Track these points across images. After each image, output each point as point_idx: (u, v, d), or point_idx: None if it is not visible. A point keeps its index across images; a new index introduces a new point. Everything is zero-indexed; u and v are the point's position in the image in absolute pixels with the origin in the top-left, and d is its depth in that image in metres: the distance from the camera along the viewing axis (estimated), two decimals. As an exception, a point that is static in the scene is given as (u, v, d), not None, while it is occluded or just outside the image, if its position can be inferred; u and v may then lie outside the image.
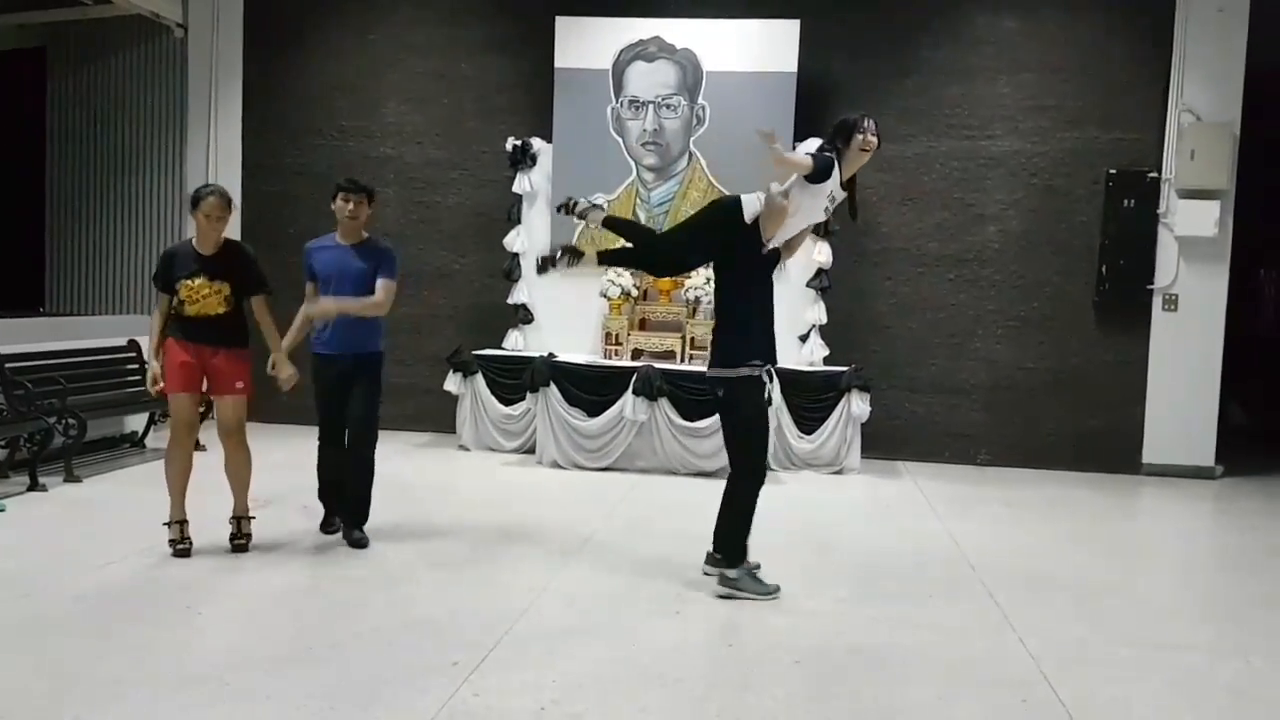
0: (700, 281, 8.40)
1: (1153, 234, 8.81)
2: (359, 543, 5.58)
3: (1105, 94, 8.87)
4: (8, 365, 7.14)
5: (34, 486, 6.70)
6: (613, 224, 5.47)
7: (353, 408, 5.59)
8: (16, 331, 7.48)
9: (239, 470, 5.43)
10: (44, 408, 7.01)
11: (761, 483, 5.08)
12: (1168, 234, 8.77)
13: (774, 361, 5.06)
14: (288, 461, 6.41)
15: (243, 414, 5.39)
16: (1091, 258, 8.90)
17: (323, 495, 5.86)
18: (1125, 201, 8.81)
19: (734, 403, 4.99)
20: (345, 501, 5.71)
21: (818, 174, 4.83)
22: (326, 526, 5.82)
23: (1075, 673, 4.11)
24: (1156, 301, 8.84)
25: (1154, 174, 8.77)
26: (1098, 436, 8.94)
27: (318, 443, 5.78)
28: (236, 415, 5.35)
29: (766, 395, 5.12)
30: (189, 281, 5.17)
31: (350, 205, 5.49)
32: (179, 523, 5.27)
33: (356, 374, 5.55)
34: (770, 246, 5.03)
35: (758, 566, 5.06)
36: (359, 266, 5.51)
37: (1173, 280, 8.79)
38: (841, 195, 5.06)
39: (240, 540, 5.41)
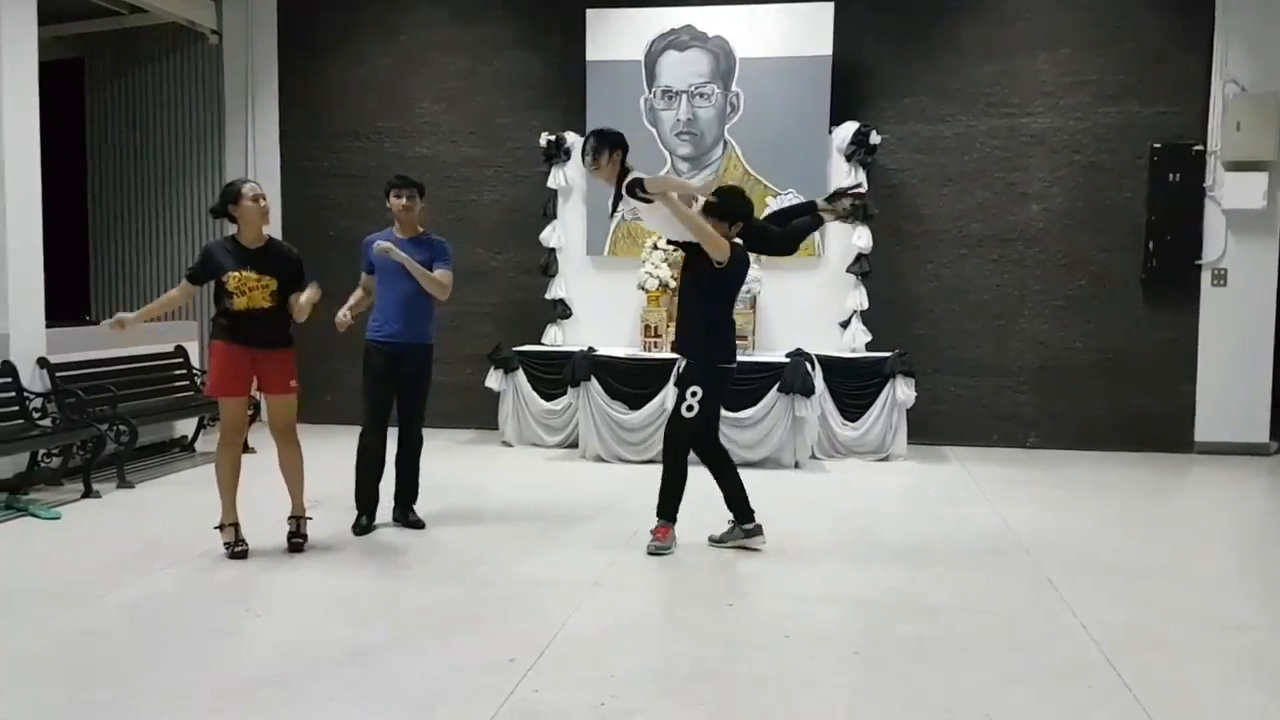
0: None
1: (1199, 208, 8.64)
2: (417, 524, 5.91)
3: (1146, 67, 8.71)
4: (58, 374, 7.25)
5: (88, 493, 6.79)
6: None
7: (404, 396, 5.81)
8: (65, 340, 7.57)
9: (294, 469, 5.46)
10: (95, 415, 7.10)
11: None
12: (1215, 208, 8.60)
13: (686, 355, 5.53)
14: (334, 462, 6.42)
15: (294, 413, 5.44)
16: (1137, 234, 8.75)
17: (360, 495, 5.91)
18: (1170, 176, 8.65)
19: (693, 381, 5.47)
20: (400, 488, 5.97)
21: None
22: (358, 527, 5.83)
23: (1136, 655, 4.04)
24: (1205, 277, 8.68)
25: (1199, 147, 8.60)
26: (1148, 416, 8.80)
27: (361, 436, 5.85)
28: (289, 414, 5.40)
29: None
30: (236, 273, 5.17)
31: (403, 200, 5.79)
32: (232, 525, 5.32)
33: (408, 364, 5.77)
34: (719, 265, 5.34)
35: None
36: (416, 258, 5.72)
37: (1221, 254, 8.62)
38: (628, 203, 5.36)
39: (298, 540, 5.45)
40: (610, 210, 5.59)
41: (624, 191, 5.21)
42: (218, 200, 5.33)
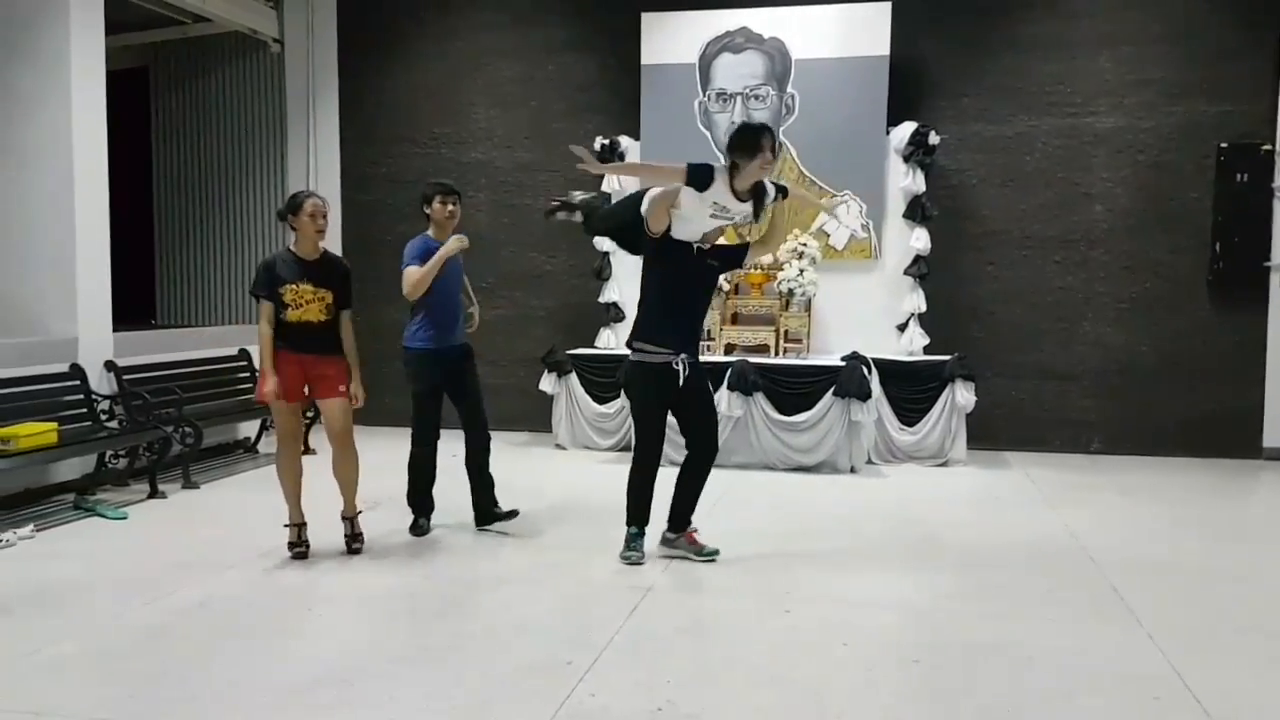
0: (793, 274, 8.30)
1: (1268, 208, 8.44)
2: (512, 514, 6.06)
3: (1212, 64, 8.51)
4: (125, 377, 7.42)
5: (154, 494, 6.94)
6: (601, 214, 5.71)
7: (470, 396, 5.90)
8: (132, 344, 7.75)
9: (348, 472, 5.48)
10: (161, 417, 7.24)
11: (642, 474, 5.35)
12: (1284, 208, 8.41)
13: (688, 352, 5.24)
14: (389, 463, 6.48)
15: (350, 418, 5.44)
16: (1204, 235, 8.56)
17: (414, 497, 5.97)
18: (1238, 176, 8.46)
19: (624, 385, 5.53)
20: (478, 489, 6.04)
21: (693, 181, 4.93)
22: (417, 529, 5.92)
23: (1205, 664, 3.95)
24: (1274, 278, 8.47)
25: (1268, 146, 8.40)
26: (1215, 420, 8.60)
27: (414, 446, 5.87)
28: (344, 418, 5.41)
29: (680, 381, 5.21)
30: (293, 286, 5.22)
31: (449, 207, 5.79)
32: (296, 525, 5.41)
33: (464, 365, 5.87)
34: (654, 236, 5.18)
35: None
36: (457, 262, 5.85)
37: (1291, 256, 8.42)
38: (741, 206, 5.11)
39: (355, 541, 5.51)
40: (724, 210, 5.08)
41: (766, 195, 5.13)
42: (284, 204, 5.41)
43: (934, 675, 3.88)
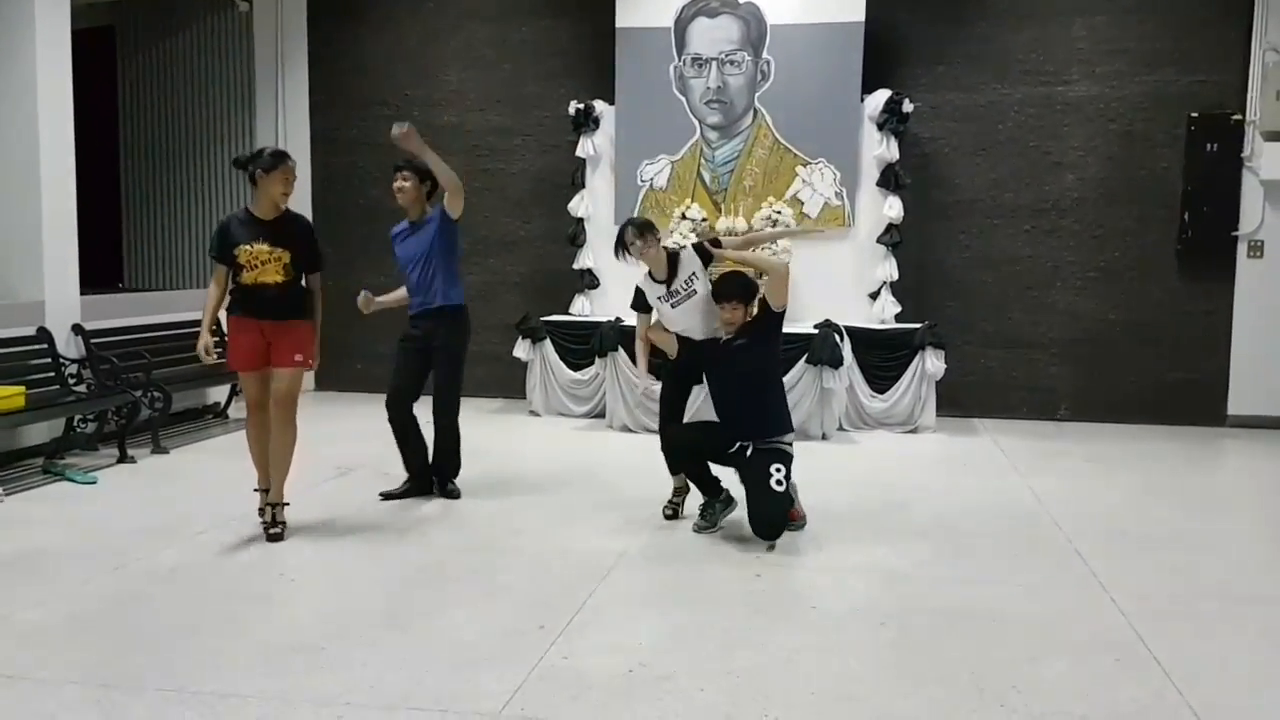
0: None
1: (1237, 178, 8.52)
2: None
3: (1184, 34, 8.55)
4: (93, 340, 7.34)
5: (123, 459, 6.90)
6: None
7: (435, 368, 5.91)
8: (100, 308, 7.66)
9: (282, 449, 5.14)
10: (130, 381, 7.19)
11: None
12: (1253, 178, 8.47)
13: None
14: (364, 430, 6.49)
15: (296, 388, 5.17)
16: (1173, 205, 8.63)
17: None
18: (1208, 146, 8.52)
19: None
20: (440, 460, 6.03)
21: (635, 306, 5.61)
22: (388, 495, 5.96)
23: (1167, 629, 4.03)
24: (1241, 248, 8.56)
25: (1237, 116, 8.46)
26: (1181, 388, 8.72)
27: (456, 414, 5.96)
28: (290, 388, 5.12)
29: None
30: (248, 246, 4.99)
31: (396, 183, 5.84)
32: (265, 490, 5.21)
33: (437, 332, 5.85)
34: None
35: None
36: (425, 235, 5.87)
37: (1258, 226, 8.50)
38: (675, 283, 5.32)
39: (275, 531, 5.13)
40: (668, 291, 5.35)
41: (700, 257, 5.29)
42: (251, 156, 5.08)
43: (902, 639, 3.94)
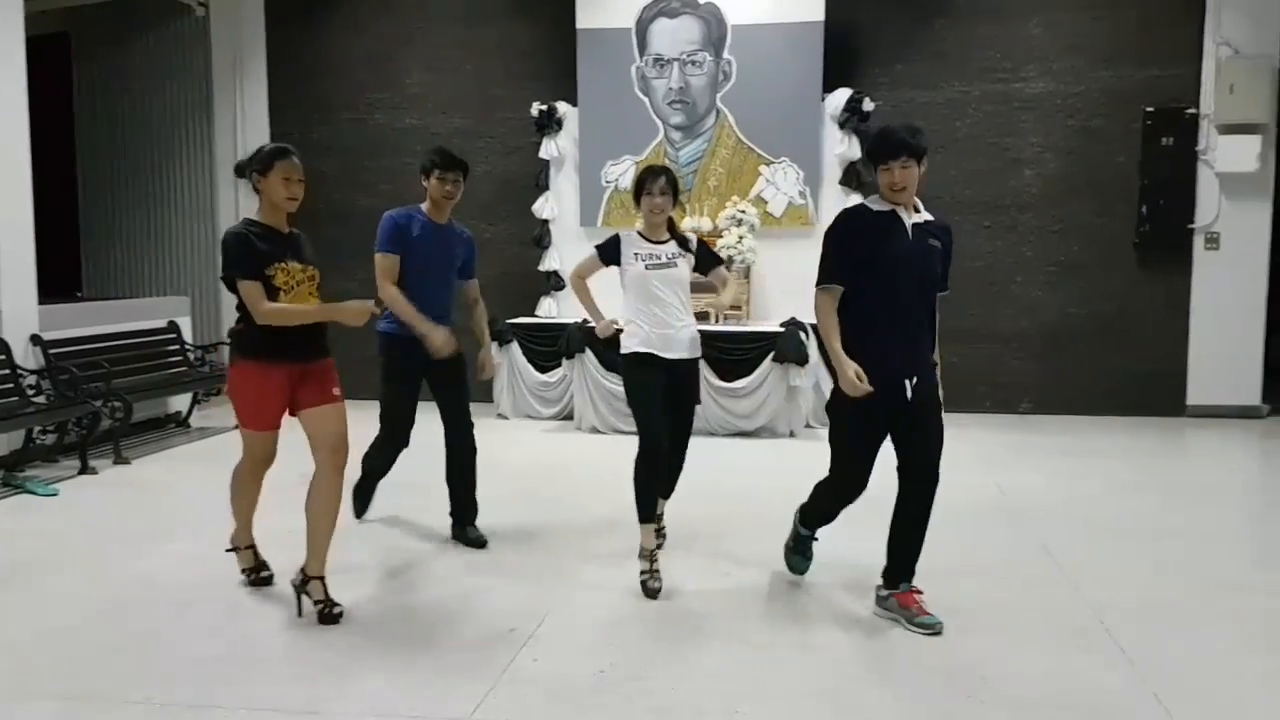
0: (732, 241, 8.34)
1: (1193, 172, 8.64)
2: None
3: (1140, 30, 8.67)
4: (51, 351, 7.23)
5: (84, 470, 6.80)
6: None
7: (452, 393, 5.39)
8: (57, 317, 7.54)
9: (331, 509, 4.09)
10: (89, 391, 7.08)
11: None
12: (1208, 171, 8.60)
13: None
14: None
15: (345, 425, 4.15)
16: (1131, 198, 8.75)
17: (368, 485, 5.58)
18: (1164, 140, 8.64)
19: None
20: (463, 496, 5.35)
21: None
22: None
23: (1135, 619, 4.08)
24: (1198, 241, 8.69)
25: (1192, 110, 8.59)
26: (1142, 380, 8.83)
27: (399, 442, 5.33)
28: (340, 424, 4.10)
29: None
30: (282, 264, 3.98)
31: (447, 186, 5.31)
32: (250, 548, 4.53)
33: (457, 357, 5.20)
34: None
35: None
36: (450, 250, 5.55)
37: (1214, 218, 8.63)
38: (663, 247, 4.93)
39: (338, 610, 4.05)
40: (650, 253, 4.91)
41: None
42: (250, 158, 4.10)
43: (872, 632, 3.97)
